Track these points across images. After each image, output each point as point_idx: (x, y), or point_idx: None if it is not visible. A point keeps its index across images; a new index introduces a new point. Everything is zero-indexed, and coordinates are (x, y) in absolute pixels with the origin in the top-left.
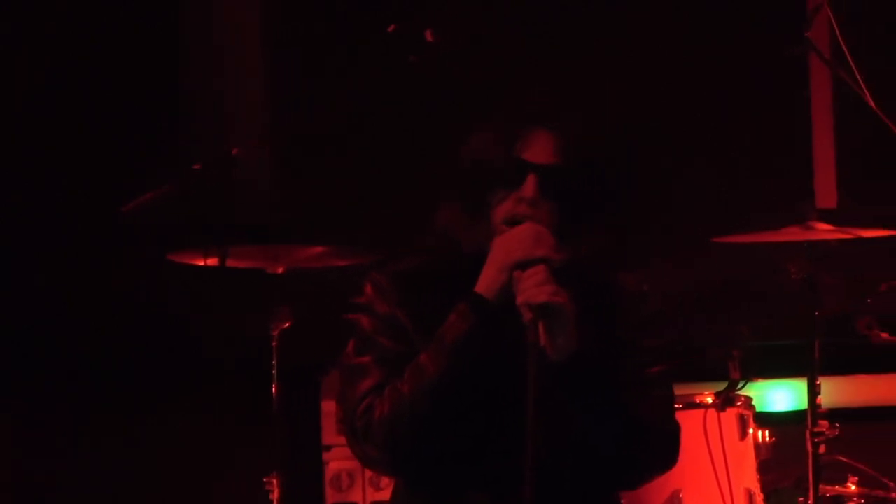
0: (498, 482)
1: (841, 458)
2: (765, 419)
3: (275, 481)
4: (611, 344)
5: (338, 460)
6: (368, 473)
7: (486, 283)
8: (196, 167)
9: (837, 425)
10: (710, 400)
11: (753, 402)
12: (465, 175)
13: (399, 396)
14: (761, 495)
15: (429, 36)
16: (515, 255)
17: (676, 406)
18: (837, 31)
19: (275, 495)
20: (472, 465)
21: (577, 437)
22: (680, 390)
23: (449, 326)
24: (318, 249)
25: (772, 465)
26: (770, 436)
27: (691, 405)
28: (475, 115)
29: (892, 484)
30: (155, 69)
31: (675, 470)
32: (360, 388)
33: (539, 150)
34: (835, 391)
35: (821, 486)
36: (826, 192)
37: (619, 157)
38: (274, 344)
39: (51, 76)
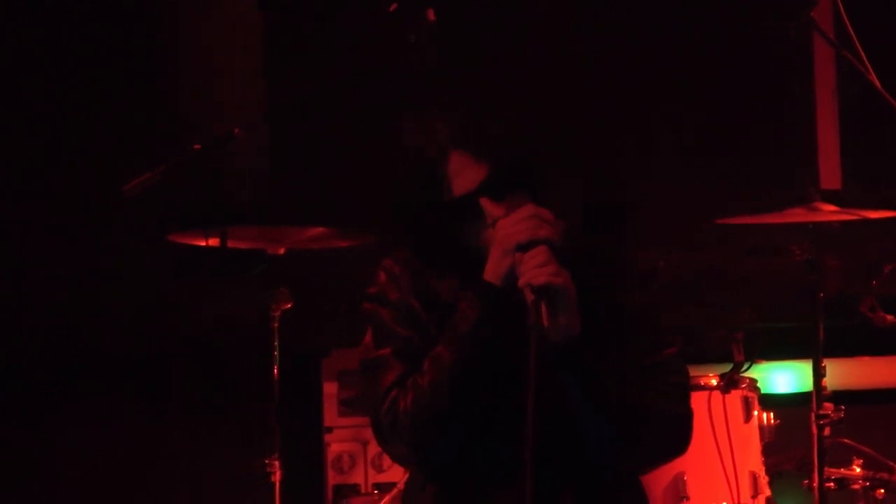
0: (503, 463)
1: (845, 441)
2: (769, 401)
3: (276, 463)
4: (616, 325)
5: (339, 442)
6: (370, 455)
7: (492, 267)
8: (196, 147)
9: (842, 407)
10: (714, 382)
11: (758, 385)
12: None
13: (420, 389)
14: (765, 478)
15: (431, 15)
16: (518, 237)
17: None
18: (842, 11)
19: (276, 477)
20: (480, 446)
21: (578, 420)
22: None
23: (460, 315)
24: (319, 230)
25: (775, 447)
26: (774, 418)
27: (696, 387)
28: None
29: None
30: (149, 51)
31: None
32: (383, 384)
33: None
34: (838, 373)
35: (825, 469)
36: (830, 173)
37: (567, 134)
38: (275, 325)
39: (40, 56)
